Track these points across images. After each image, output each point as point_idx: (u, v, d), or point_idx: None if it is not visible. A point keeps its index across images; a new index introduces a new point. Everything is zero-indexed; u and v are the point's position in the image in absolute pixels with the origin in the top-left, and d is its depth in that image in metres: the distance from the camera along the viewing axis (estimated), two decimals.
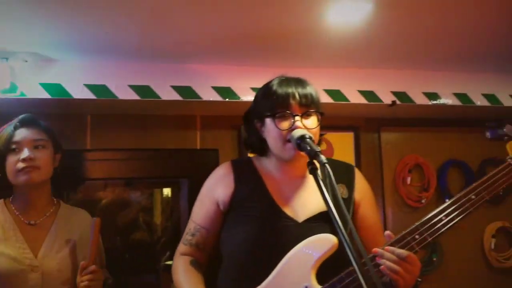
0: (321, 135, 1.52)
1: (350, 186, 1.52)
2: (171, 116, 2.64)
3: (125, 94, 2.21)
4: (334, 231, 1.32)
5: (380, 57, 2.44)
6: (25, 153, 1.59)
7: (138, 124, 2.60)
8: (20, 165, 1.59)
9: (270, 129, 1.44)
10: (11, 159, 1.61)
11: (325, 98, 2.51)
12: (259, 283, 1.34)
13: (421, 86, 2.64)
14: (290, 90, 1.42)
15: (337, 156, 2.87)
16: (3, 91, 2.06)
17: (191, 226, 1.56)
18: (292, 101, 1.40)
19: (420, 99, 2.64)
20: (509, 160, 1.38)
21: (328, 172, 1.16)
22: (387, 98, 2.59)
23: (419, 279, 1.36)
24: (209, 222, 1.52)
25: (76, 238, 1.68)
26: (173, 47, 2.13)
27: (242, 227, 1.44)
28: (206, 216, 1.53)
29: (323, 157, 1.24)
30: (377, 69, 2.59)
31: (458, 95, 2.70)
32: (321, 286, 1.29)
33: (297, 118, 1.39)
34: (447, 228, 1.30)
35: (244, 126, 1.59)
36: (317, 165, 1.24)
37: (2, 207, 1.65)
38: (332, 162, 1.55)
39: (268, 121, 1.44)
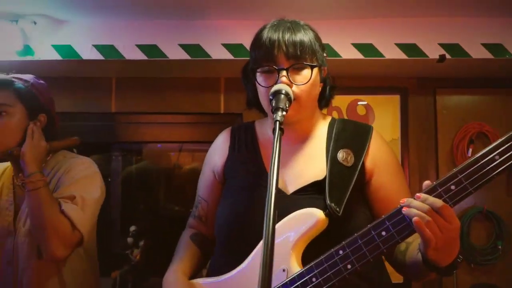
0: (327, 87, 1.32)
1: (360, 152, 1.25)
2: (195, 79, 2.53)
3: (132, 54, 2.16)
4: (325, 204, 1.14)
5: (423, 2, 2.03)
6: None
7: (160, 87, 2.54)
8: None
9: (257, 86, 1.25)
10: None
11: (354, 54, 2.19)
12: (241, 262, 1.19)
13: (479, 36, 2.16)
14: (276, 37, 1.20)
15: (379, 123, 2.52)
16: (19, 53, 2.13)
17: (196, 197, 1.46)
18: (276, 52, 1.19)
19: (479, 53, 2.16)
20: None
21: (279, 134, 1.01)
22: (434, 52, 2.17)
23: (460, 257, 1.03)
24: (207, 193, 1.40)
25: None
26: (179, 2, 2.00)
27: (230, 199, 1.29)
28: (206, 186, 1.41)
29: (278, 114, 1.06)
30: (420, 17, 2.16)
31: None
32: (299, 270, 1.10)
33: (283, 73, 1.18)
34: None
35: (242, 79, 1.39)
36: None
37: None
38: (344, 122, 1.34)
39: (257, 75, 1.25)
